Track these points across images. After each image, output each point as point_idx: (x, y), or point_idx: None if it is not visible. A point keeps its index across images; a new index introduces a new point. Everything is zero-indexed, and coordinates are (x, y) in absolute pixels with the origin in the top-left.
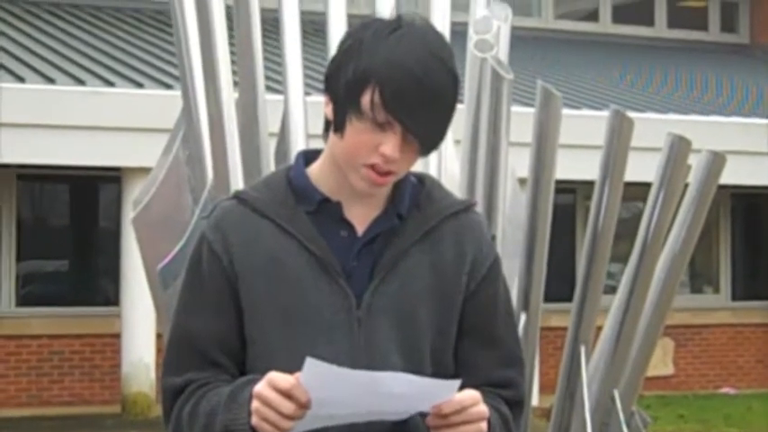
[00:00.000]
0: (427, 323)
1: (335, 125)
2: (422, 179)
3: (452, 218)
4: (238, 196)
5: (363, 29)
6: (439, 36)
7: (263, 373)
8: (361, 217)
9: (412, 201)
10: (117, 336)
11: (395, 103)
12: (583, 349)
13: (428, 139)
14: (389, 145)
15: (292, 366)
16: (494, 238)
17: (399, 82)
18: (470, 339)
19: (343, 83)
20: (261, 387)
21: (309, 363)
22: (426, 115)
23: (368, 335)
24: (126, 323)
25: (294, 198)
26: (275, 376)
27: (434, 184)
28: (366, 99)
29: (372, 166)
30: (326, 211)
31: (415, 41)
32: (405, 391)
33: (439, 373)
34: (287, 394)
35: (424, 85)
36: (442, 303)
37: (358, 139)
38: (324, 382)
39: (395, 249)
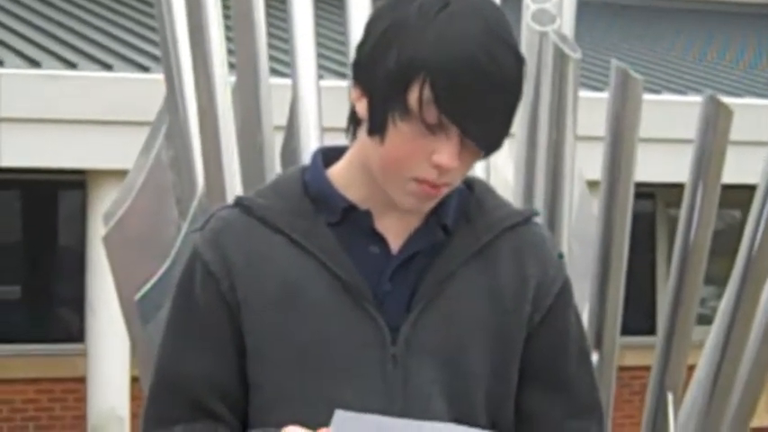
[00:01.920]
0: (480, 364)
1: (373, 127)
2: (471, 184)
3: (510, 232)
4: (241, 203)
5: (402, 4)
6: (497, 10)
7: (275, 425)
8: (396, 230)
9: (459, 211)
10: (82, 380)
11: (452, 100)
12: (670, 396)
13: (491, 141)
14: (446, 153)
15: (312, 417)
16: (561, 256)
17: (456, 74)
18: (535, 384)
19: (383, 75)
20: None
21: (339, 416)
22: (489, 113)
23: (406, 376)
24: (93, 364)
25: (312, 206)
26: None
27: (487, 191)
28: (414, 96)
29: (422, 180)
30: (353, 222)
31: (470, 20)
32: None
33: (497, 424)
34: None
35: (486, 73)
36: (500, 339)
37: (405, 147)
38: None
39: (439, 271)
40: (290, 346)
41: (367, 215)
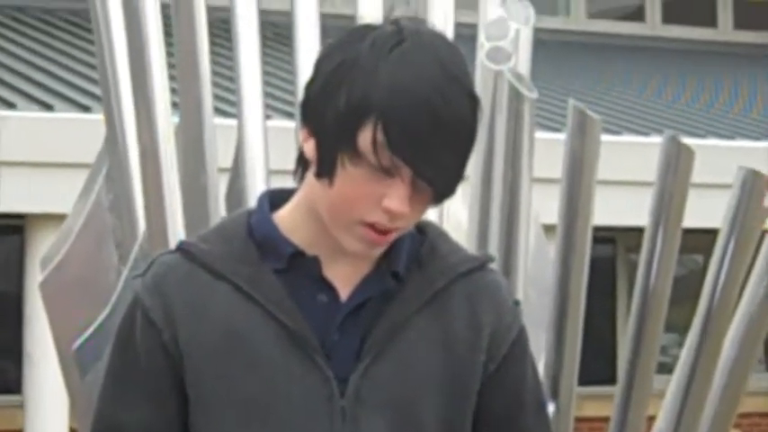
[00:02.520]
0: (433, 417)
1: (320, 169)
2: (422, 228)
3: (464, 279)
4: (183, 248)
5: (353, 41)
6: (452, 49)
7: None
8: (345, 276)
9: (411, 256)
10: None
11: (405, 143)
12: None
13: (445, 186)
14: (396, 198)
15: None
16: (517, 303)
17: (409, 117)
18: None
19: (332, 115)
20: None
21: None
22: (443, 155)
23: (355, 430)
24: (31, 417)
25: (258, 252)
26: None
27: (440, 235)
28: (365, 138)
29: (371, 224)
30: (300, 268)
31: (424, 59)
32: None
33: None
34: None
35: (441, 118)
36: (454, 391)
37: (354, 190)
38: None
39: (390, 319)
40: (234, 399)
41: (314, 261)
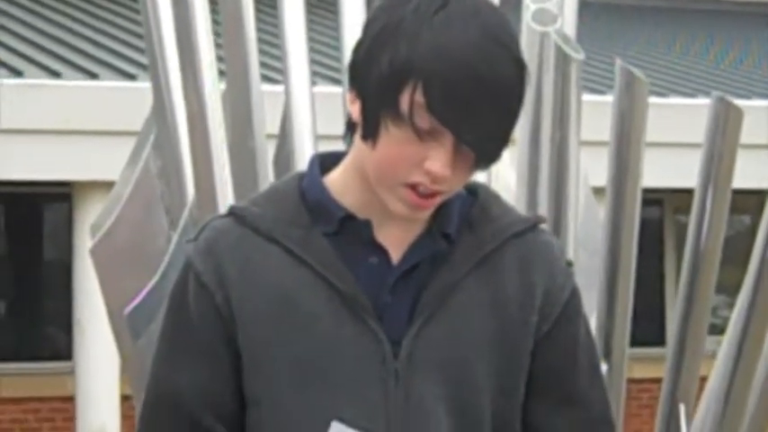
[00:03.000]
0: (486, 378)
1: (365, 131)
2: (474, 190)
3: (516, 240)
4: (235, 213)
5: (399, 5)
6: (497, 12)
7: None
8: (396, 239)
9: (462, 218)
10: (70, 399)
11: (444, 105)
12: (683, 408)
13: (488, 151)
14: (437, 160)
15: None
16: (570, 264)
17: (450, 77)
18: (544, 398)
19: (376, 77)
20: None
21: (336, 428)
22: (486, 120)
23: (408, 392)
24: (82, 383)
25: (309, 216)
26: None
27: (491, 197)
28: (406, 100)
29: (414, 186)
30: (351, 231)
31: (467, 22)
32: None
33: None
34: None
35: (482, 80)
36: (506, 352)
37: (395, 152)
38: None
39: (442, 282)
40: (286, 361)
41: (366, 225)
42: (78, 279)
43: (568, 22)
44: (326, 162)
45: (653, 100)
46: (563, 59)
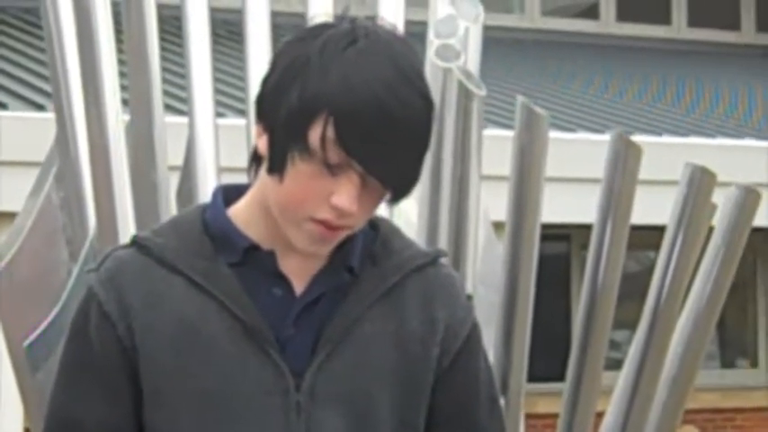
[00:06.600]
0: (388, 411)
1: (272, 165)
2: (375, 224)
3: (417, 274)
4: (138, 243)
5: (308, 39)
6: (407, 48)
7: None
8: (300, 271)
9: (365, 252)
10: None
11: (354, 139)
12: None
13: (398, 183)
14: (345, 194)
15: None
16: (470, 298)
17: (360, 112)
18: (445, 431)
19: (285, 111)
20: None
21: None
22: (395, 155)
23: (310, 425)
24: None
25: (212, 246)
26: None
27: (392, 231)
28: (315, 134)
29: (321, 221)
30: (255, 262)
31: (378, 57)
32: None
33: None
34: None
35: (392, 116)
36: (408, 385)
37: (302, 186)
38: None
39: (345, 314)
40: (188, 392)
41: (270, 255)
42: None
43: (472, 58)
44: (230, 194)
45: (557, 135)
46: (465, 95)
